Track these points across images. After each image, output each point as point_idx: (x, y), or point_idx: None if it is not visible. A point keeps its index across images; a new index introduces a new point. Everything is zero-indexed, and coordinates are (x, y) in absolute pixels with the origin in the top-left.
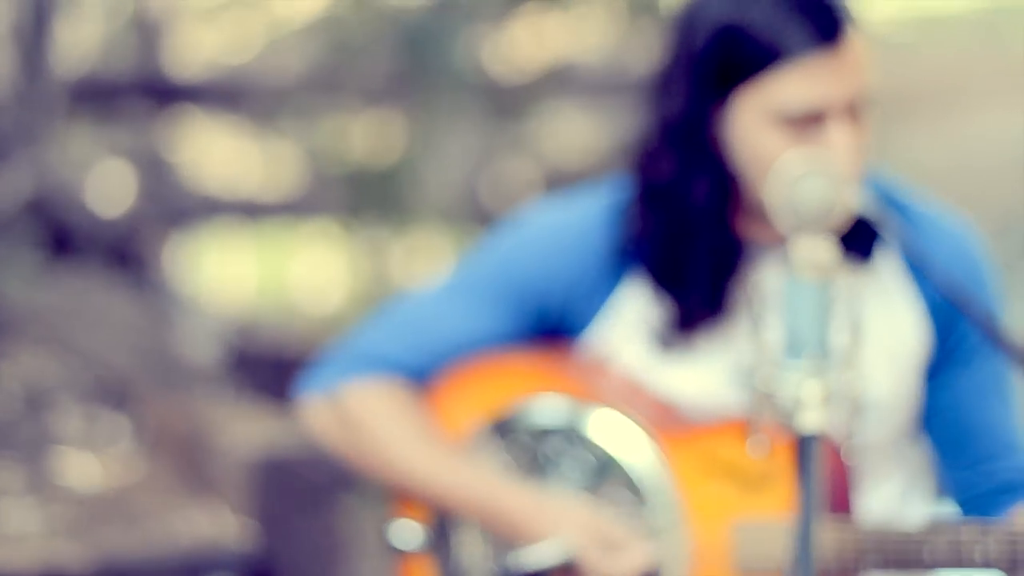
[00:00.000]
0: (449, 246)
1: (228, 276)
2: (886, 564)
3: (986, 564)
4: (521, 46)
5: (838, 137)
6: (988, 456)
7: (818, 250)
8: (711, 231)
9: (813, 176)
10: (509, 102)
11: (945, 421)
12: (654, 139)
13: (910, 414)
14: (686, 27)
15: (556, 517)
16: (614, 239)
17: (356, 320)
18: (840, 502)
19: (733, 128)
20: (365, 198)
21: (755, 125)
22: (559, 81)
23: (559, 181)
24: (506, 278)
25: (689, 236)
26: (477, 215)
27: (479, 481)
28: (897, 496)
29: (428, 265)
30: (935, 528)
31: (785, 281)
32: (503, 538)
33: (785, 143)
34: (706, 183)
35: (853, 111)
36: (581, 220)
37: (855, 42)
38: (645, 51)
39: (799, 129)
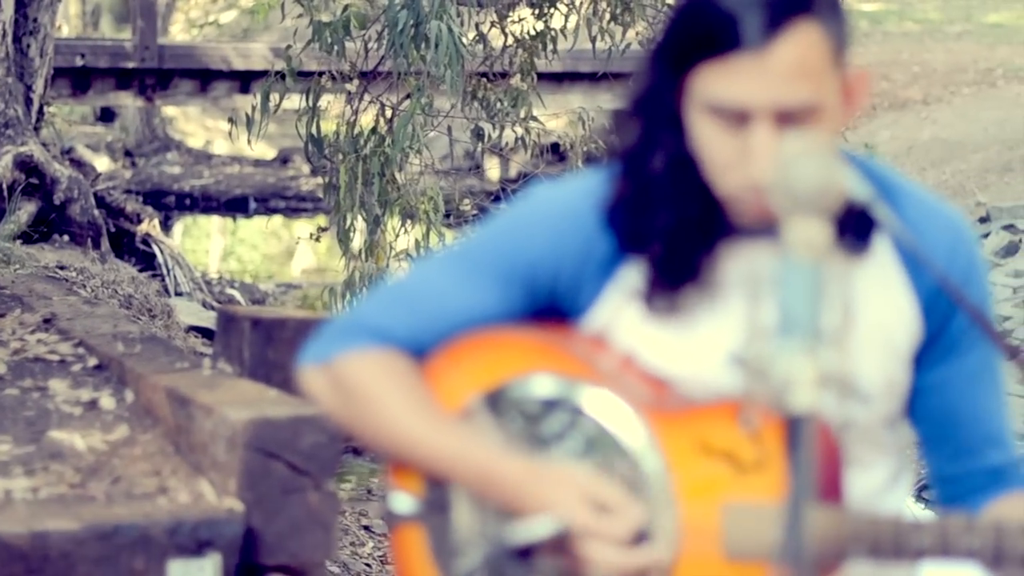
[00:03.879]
0: (434, 224)
1: (209, 248)
2: (872, 553)
3: (971, 556)
4: (512, 24)
5: (758, 141)
6: (974, 445)
7: (811, 230)
8: (676, 200)
9: (808, 157)
10: (498, 80)
11: (932, 409)
12: (625, 109)
13: (900, 400)
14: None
15: (549, 483)
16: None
17: (333, 292)
18: (829, 486)
19: (686, 110)
20: (349, 173)
21: (696, 111)
22: (548, 59)
23: (549, 161)
24: (512, 257)
25: (652, 204)
26: (465, 194)
27: (474, 449)
28: (883, 483)
29: (414, 240)
30: (922, 519)
31: (779, 261)
32: (496, 506)
33: (717, 135)
34: (663, 157)
35: (785, 118)
36: (586, 201)
37: (796, 51)
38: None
39: (729, 124)
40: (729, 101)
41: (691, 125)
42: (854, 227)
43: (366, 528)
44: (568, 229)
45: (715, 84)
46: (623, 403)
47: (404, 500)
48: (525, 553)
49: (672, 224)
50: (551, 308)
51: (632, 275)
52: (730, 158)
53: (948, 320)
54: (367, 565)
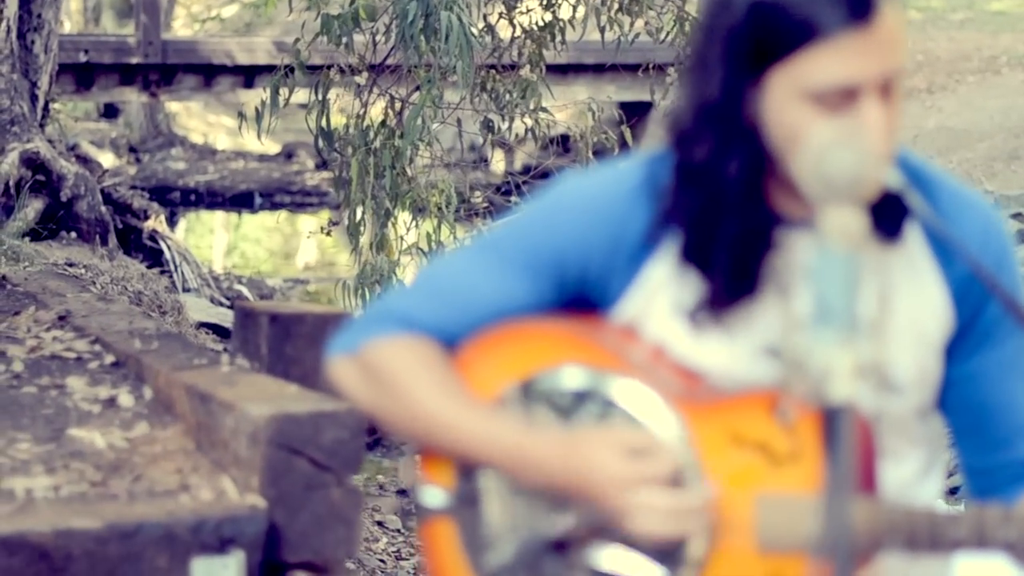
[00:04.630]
0: (445, 217)
1: (212, 244)
2: (908, 544)
3: (1007, 548)
4: (520, 15)
5: (871, 115)
6: (1007, 437)
7: (848, 220)
8: (745, 208)
9: (843, 146)
10: (507, 72)
11: (965, 401)
12: (690, 119)
13: (932, 391)
14: (721, 6)
15: (582, 446)
16: (648, 211)
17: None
18: (863, 478)
19: (767, 106)
20: (359, 167)
21: (789, 103)
22: (557, 50)
23: (556, 152)
24: (541, 248)
25: (724, 214)
26: (474, 187)
27: (506, 427)
28: (914, 475)
29: (425, 234)
30: (959, 511)
31: (815, 250)
32: (532, 484)
33: (816, 121)
34: (740, 160)
35: (886, 89)
36: (616, 191)
37: (890, 19)
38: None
39: (832, 107)
40: (838, 81)
41: (777, 120)
42: (886, 215)
43: (379, 524)
44: (597, 220)
45: (819, 68)
46: (654, 394)
47: (434, 494)
48: (559, 547)
49: (743, 230)
50: (581, 299)
51: (664, 270)
52: None
53: (980, 310)
54: (381, 561)
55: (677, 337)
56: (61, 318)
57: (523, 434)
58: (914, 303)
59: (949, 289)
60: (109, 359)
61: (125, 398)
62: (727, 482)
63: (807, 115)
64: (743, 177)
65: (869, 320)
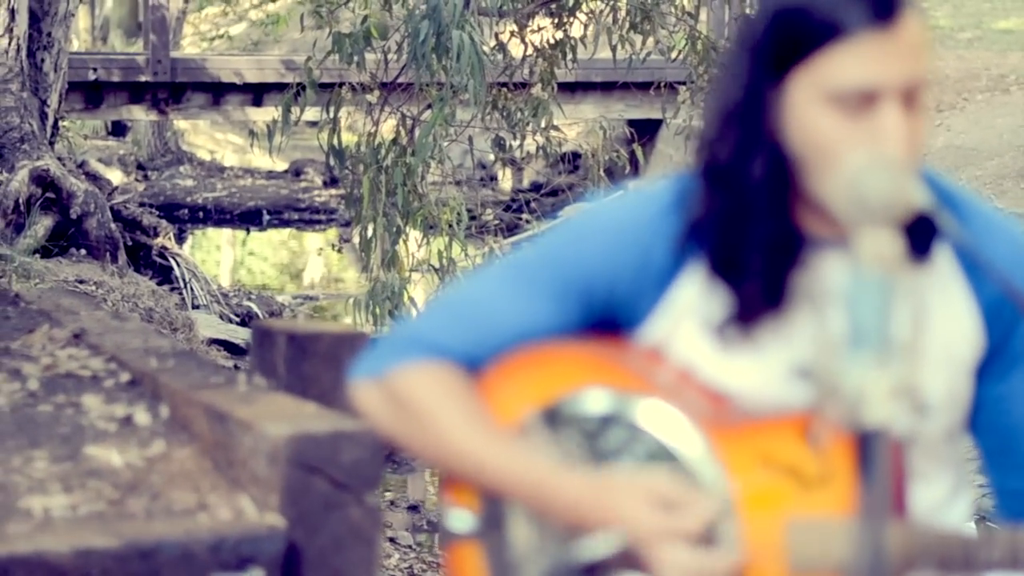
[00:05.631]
0: (456, 235)
1: (219, 260)
2: (941, 566)
3: None
4: (532, 33)
5: (890, 120)
6: None
7: (882, 242)
8: (768, 215)
9: (877, 169)
10: (518, 90)
11: (996, 422)
12: (715, 122)
13: (961, 413)
14: (752, 19)
15: (611, 494)
16: (675, 232)
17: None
18: (895, 501)
19: (789, 109)
20: (371, 184)
21: (809, 105)
22: (569, 68)
23: (565, 170)
24: (568, 272)
25: (747, 219)
26: (483, 205)
27: (532, 464)
28: (943, 497)
29: (436, 251)
30: (992, 532)
31: (849, 273)
32: (556, 523)
33: (838, 124)
34: (763, 163)
35: (908, 96)
36: (643, 214)
37: (912, 24)
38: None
39: (852, 110)
40: (859, 82)
41: (798, 123)
42: (917, 236)
43: (391, 540)
44: (624, 242)
45: (840, 68)
46: (680, 416)
47: (460, 517)
48: (588, 571)
49: (772, 235)
50: (607, 321)
51: (691, 291)
52: (852, 146)
53: (1011, 332)
54: None
55: (705, 358)
56: (76, 336)
57: (551, 474)
58: (945, 324)
59: (980, 310)
60: (125, 377)
61: (142, 416)
62: (756, 505)
63: (827, 118)
64: (767, 179)
65: (903, 342)
